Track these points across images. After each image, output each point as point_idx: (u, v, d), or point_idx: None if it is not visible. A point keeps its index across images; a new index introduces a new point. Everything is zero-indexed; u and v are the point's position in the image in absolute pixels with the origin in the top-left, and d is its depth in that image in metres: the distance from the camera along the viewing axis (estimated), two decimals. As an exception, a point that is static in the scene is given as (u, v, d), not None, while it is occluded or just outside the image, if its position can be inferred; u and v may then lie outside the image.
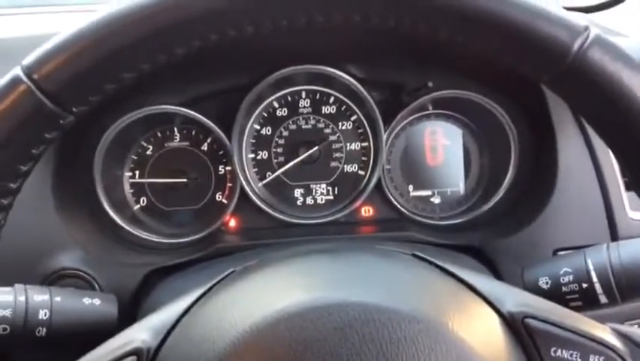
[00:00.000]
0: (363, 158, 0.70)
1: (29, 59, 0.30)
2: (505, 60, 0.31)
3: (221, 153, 0.68)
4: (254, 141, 0.69)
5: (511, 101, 0.67)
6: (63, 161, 0.57)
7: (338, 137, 0.70)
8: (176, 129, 0.68)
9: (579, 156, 0.63)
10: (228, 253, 0.61)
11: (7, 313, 0.38)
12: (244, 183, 0.66)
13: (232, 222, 0.69)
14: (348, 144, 0.70)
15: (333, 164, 0.71)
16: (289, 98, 0.69)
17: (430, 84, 0.64)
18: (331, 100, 0.70)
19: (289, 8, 0.29)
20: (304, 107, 0.70)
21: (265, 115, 0.69)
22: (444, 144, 0.73)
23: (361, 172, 0.70)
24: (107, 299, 0.45)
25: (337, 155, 0.70)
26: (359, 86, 0.65)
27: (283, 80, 0.66)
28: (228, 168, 0.69)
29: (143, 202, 0.68)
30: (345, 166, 0.71)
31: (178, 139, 0.68)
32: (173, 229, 0.67)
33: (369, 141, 0.70)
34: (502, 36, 0.29)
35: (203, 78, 0.64)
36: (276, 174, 0.68)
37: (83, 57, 0.30)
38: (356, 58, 0.66)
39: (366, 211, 0.71)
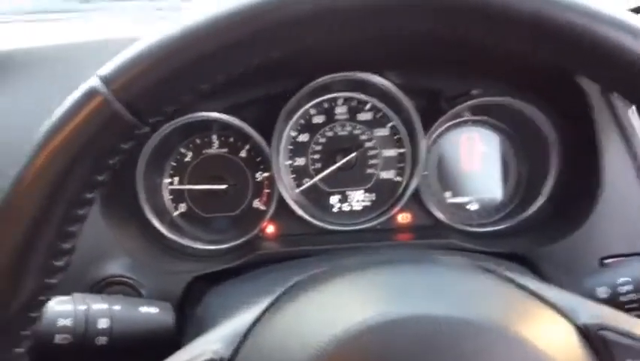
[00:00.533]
0: (400, 164, 0.70)
1: (107, 69, 0.30)
2: (571, 69, 0.31)
3: (258, 159, 0.69)
4: (291, 147, 0.69)
5: (552, 107, 0.66)
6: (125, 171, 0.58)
7: (374, 143, 0.70)
8: (214, 136, 0.68)
9: (623, 162, 0.62)
10: (269, 260, 0.62)
11: (68, 322, 0.39)
12: (282, 189, 0.66)
13: (269, 229, 0.69)
14: (384, 151, 0.70)
15: (370, 170, 0.70)
16: (326, 105, 0.69)
17: (475, 91, 0.64)
18: (368, 107, 0.70)
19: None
20: (341, 113, 0.70)
21: (302, 122, 0.69)
22: (481, 151, 0.72)
23: (398, 178, 0.70)
24: (164, 308, 0.46)
25: (373, 161, 0.70)
26: (399, 92, 0.65)
27: (320, 87, 0.66)
28: (266, 174, 0.69)
29: (182, 209, 0.68)
30: (382, 173, 0.70)
31: (216, 146, 0.68)
32: (211, 236, 0.68)
33: (406, 148, 0.70)
34: (575, 47, 0.29)
35: (241, 86, 0.65)
36: (314, 180, 0.68)
37: (163, 68, 0.30)
38: (393, 65, 0.66)
39: (404, 218, 0.70)
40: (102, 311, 0.41)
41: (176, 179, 0.68)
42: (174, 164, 0.68)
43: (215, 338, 0.34)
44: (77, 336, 0.39)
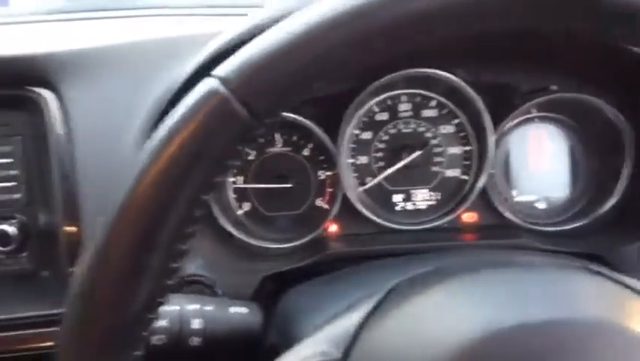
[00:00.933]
0: (466, 162, 0.69)
1: (225, 70, 0.29)
2: None
3: (321, 158, 0.68)
4: (353, 145, 0.68)
5: (627, 103, 0.64)
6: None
7: (439, 141, 0.68)
8: (277, 135, 0.68)
9: None
10: (338, 260, 0.61)
11: (164, 322, 0.39)
12: (346, 188, 0.66)
13: (332, 228, 0.68)
14: (449, 148, 0.69)
15: (434, 168, 0.69)
16: (389, 102, 0.68)
17: (554, 87, 0.62)
18: (433, 103, 0.68)
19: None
20: (404, 110, 0.68)
21: (365, 120, 0.68)
22: (549, 148, 0.70)
23: (464, 177, 0.68)
24: (252, 308, 0.46)
25: (438, 159, 0.69)
26: (468, 88, 0.63)
27: (384, 84, 0.65)
28: (328, 173, 0.68)
29: (246, 208, 0.68)
30: (447, 171, 0.69)
31: (280, 144, 0.68)
32: (274, 235, 0.68)
33: (472, 145, 0.68)
34: None
35: None
36: (379, 178, 0.67)
37: (284, 66, 0.29)
38: (462, 61, 0.64)
39: (469, 217, 0.69)
40: (195, 312, 0.41)
41: (240, 178, 0.68)
42: (238, 163, 0.68)
43: (323, 339, 0.34)
44: (172, 336, 0.39)
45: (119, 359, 0.31)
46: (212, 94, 0.29)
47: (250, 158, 0.68)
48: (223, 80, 0.29)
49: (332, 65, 0.30)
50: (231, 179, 0.68)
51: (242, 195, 0.69)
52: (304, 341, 0.36)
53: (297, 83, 0.30)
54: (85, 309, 0.31)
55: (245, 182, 0.68)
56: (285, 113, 0.65)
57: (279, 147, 0.68)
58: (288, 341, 0.46)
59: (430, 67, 0.63)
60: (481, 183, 0.66)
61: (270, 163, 0.68)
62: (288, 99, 0.31)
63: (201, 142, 0.29)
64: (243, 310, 0.45)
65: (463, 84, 0.63)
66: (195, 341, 0.41)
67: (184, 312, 0.41)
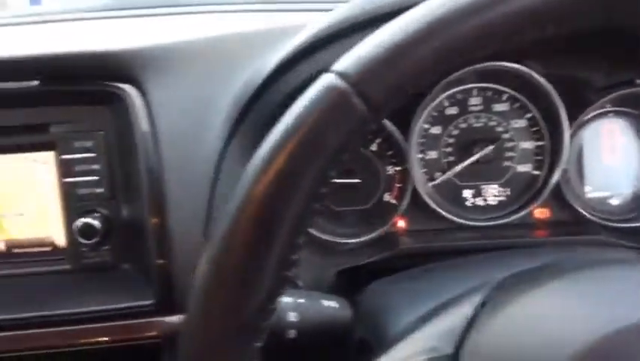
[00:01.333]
0: (537, 157, 0.67)
1: (344, 65, 0.30)
2: None
3: (389, 153, 0.67)
4: (423, 140, 0.68)
5: None
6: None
7: (511, 135, 0.67)
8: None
9: None
10: (410, 256, 0.61)
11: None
12: (417, 183, 0.65)
13: (400, 223, 0.68)
14: (521, 143, 0.67)
15: (506, 164, 0.68)
16: (459, 96, 0.67)
17: (639, 81, 0.60)
18: (504, 97, 0.67)
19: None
20: (475, 105, 0.67)
21: (434, 114, 0.67)
22: (622, 143, 0.68)
23: (536, 172, 0.67)
24: (342, 301, 0.46)
25: (509, 154, 0.68)
26: (544, 82, 0.62)
27: (455, 78, 0.64)
28: (397, 168, 0.68)
29: (316, 202, 0.68)
30: (518, 166, 0.68)
31: (348, 139, 0.68)
32: (344, 229, 0.67)
33: (545, 140, 0.67)
34: None
35: None
36: (450, 173, 0.67)
37: (404, 61, 0.29)
38: (536, 54, 0.63)
39: (541, 213, 0.68)
40: (290, 304, 0.41)
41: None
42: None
43: (432, 335, 0.34)
44: (271, 329, 0.39)
45: (242, 349, 0.32)
46: (331, 89, 0.29)
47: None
48: (343, 75, 0.29)
49: (448, 60, 0.30)
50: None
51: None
52: (410, 336, 0.35)
53: (415, 77, 0.30)
54: (209, 301, 0.31)
55: (314, 177, 0.68)
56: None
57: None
58: (379, 336, 0.46)
59: (502, 60, 0.62)
60: (555, 178, 0.65)
61: (339, 158, 0.68)
62: (405, 93, 0.31)
63: (321, 136, 0.29)
64: (334, 303, 0.46)
65: (539, 78, 0.62)
66: (291, 333, 0.41)
67: (280, 305, 0.41)
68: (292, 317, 0.41)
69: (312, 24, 0.51)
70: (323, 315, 0.44)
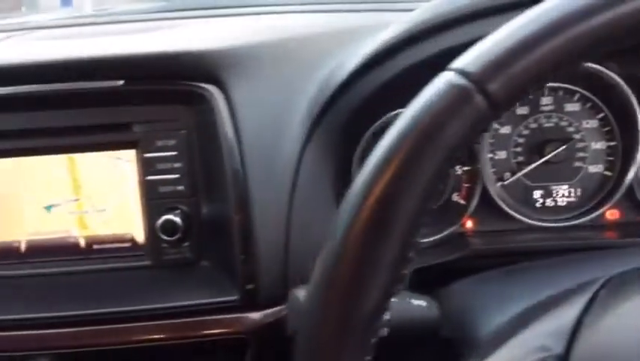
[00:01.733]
0: (609, 158, 0.67)
1: (465, 62, 0.29)
2: None
3: (458, 153, 0.67)
4: (492, 140, 0.67)
5: None
6: (340, 163, 0.59)
7: (582, 135, 0.67)
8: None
9: None
10: (481, 256, 0.61)
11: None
12: (487, 183, 0.65)
13: (469, 224, 0.68)
14: (592, 143, 0.67)
15: (577, 164, 0.67)
16: (530, 96, 0.67)
17: None
18: (576, 97, 0.66)
19: None
20: (546, 104, 0.67)
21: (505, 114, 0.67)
22: (696, 143, 0.67)
23: (608, 173, 0.66)
24: (430, 301, 0.46)
25: (581, 154, 0.67)
26: (621, 82, 0.61)
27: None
28: (465, 168, 0.68)
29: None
30: (590, 167, 0.67)
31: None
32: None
33: (617, 140, 0.66)
34: None
35: None
36: (521, 173, 0.66)
37: (527, 59, 0.29)
38: (614, 54, 0.62)
39: (611, 214, 0.67)
40: None
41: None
42: (375, 157, 0.68)
43: (539, 334, 0.34)
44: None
45: (361, 347, 0.32)
46: (453, 86, 0.29)
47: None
48: (464, 73, 0.29)
49: (569, 58, 0.30)
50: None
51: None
52: (517, 336, 0.35)
53: (536, 77, 0.30)
54: (328, 299, 0.31)
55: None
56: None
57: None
58: (468, 336, 0.46)
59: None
60: (628, 179, 0.64)
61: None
62: (525, 92, 0.31)
63: (441, 134, 0.29)
64: (422, 302, 0.46)
65: (616, 77, 0.61)
66: (384, 332, 0.42)
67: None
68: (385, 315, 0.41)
69: (400, 22, 0.51)
70: (413, 314, 0.45)
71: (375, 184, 0.31)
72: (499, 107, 0.30)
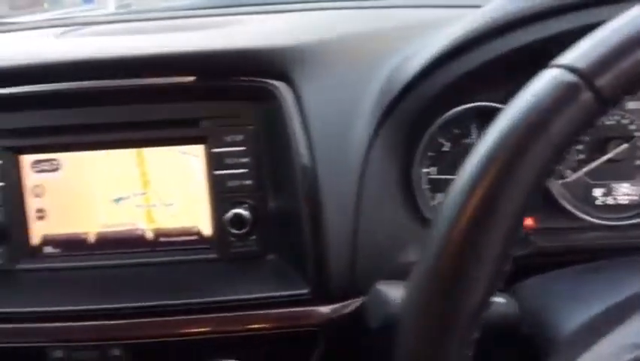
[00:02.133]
0: (671, 156, 0.66)
1: (575, 58, 0.30)
2: None
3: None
4: (552, 138, 0.67)
5: None
6: (405, 158, 0.59)
7: (644, 133, 0.66)
8: (473, 126, 0.68)
9: None
10: (542, 254, 0.61)
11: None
12: (549, 182, 0.65)
13: (529, 222, 0.67)
14: (654, 142, 0.66)
15: (638, 162, 0.67)
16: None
17: None
18: (639, 95, 0.66)
19: None
20: (608, 102, 0.66)
21: (565, 111, 0.67)
22: None
23: (669, 172, 0.66)
24: (508, 298, 0.46)
25: (642, 152, 0.67)
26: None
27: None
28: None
29: (440, 198, 0.69)
30: (651, 165, 0.67)
31: (475, 135, 0.68)
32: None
33: (680, 138, 0.65)
34: None
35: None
36: (583, 171, 0.66)
37: (636, 54, 0.29)
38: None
39: (673, 214, 0.66)
40: None
41: (434, 169, 0.69)
42: (433, 154, 0.69)
43: (630, 332, 0.34)
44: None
45: (464, 345, 0.32)
46: (561, 82, 0.29)
47: (444, 149, 0.69)
48: (572, 69, 0.29)
49: None
50: (425, 170, 0.69)
51: (436, 185, 0.69)
52: (610, 334, 0.35)
53: None
54: (430, 297, 0.32)
55: (439, 173, 0.69)
56: (482, 103, 0.65)
57: (473, 138, 0.68)
58: (549, 334, 0.46)
59: None
60: (693, 178, 0.63)
61: (464, 154, 0.68)
62: (634, 88, 0.31)
63: (550, 131, 0.29)
64: (501, 299, 0.46)
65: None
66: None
67: None
68: None
69: (469, 18, 0.51)
70: (493, 311, 0.45)
71: (482, 180, 0.31)
72: (607, 103, 0.30)
